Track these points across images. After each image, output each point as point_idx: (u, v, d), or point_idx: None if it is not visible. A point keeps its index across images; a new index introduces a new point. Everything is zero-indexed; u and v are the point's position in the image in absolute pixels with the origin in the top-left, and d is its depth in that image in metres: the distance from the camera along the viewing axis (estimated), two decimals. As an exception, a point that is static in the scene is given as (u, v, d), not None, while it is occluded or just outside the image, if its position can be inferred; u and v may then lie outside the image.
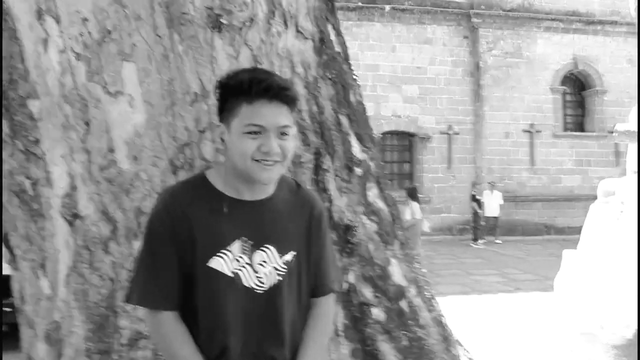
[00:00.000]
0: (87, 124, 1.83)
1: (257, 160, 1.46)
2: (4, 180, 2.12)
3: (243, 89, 1.45)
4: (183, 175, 1.80)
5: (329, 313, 1.71)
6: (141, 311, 1.85)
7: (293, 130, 1.53)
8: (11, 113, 2.02)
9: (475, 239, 16.52)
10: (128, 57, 1.76)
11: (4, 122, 2.06)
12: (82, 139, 1.85)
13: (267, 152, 1.46)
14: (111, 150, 1.82)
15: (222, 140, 1.52)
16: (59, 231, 2.00)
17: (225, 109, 1.50)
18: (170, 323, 1.52)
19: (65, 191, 1.94)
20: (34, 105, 1.96)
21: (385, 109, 17.64)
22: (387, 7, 17.70)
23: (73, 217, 1.94)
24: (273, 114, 1.46)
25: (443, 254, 13.92)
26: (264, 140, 1.46)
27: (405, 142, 18.62)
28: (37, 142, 1.98)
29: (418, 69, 18.19)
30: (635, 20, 2.73)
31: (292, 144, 1.52)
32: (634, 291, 3.62)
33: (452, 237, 17.88)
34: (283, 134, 1.49)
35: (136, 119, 1.79)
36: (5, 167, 2.09)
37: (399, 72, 18.03)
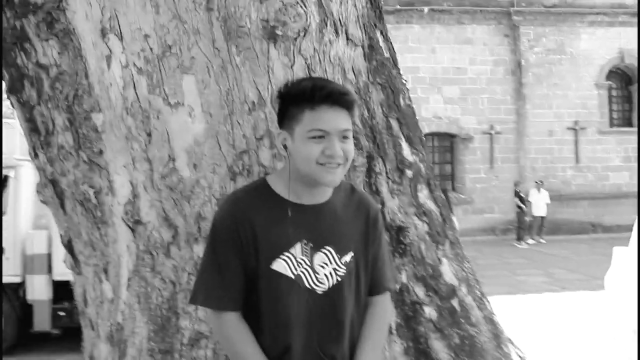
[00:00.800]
0: (148, 134, 1.91)
1: (321, 164, 1.53)
2: (67, 189, 2.23)
3: (306, 96, 1.52)
4: (242, 181, 1.87)
5: (385, 311, 1.76)
6: (202, 312, 1.93)
7: (352, 133, 1.59)
8: (76, 126, 2.13)
9: (519, 239, 16.28)
10: (187, 70, 1.84)
11: (67, 134, 2.17)
12: (144, 149, 1.93)
13: (331, 155, 1.52)
14: (172, 159, 1.90)
15: (285, 147, 1.58)
16: (121, 237, 2.10)
17: (287, 117, 1.57)
18: (233, 323, 1.59)
19: (127, 199, 2.04)
20: (97, 119, 2.06)
21: (426, 111, 17.55)
22: (426, 9, 17.63)
23: (135, 224, 2.03)
24: (335, 119, 1.53)
25: (487, 255, 13.76)
26: (327, 144, 1.52)
27: (447, 143, 18.49)
28: (100, 153, 2.08)
29: (458, 70, 18.05)
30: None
31: (352, 146, 1.58)
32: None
33: (495, 238, 17.65)
34: (344, 137, 1.55)
35: (196, 129, 1.86)
36: (69, 177, 2.21)
37: (439, 73, 17.92)
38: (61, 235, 2.42)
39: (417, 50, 17.74)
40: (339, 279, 1.63)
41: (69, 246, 2.40)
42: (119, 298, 2.13)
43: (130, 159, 1.98)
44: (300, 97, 1.53)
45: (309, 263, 1.60)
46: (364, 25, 2.15)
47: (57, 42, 2.06)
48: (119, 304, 2.13)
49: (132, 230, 2.04)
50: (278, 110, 1.62)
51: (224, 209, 1.61)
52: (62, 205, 2.30)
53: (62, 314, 6.72)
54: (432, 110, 17.65)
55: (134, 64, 1.89)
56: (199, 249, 1.91)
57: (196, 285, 1.64)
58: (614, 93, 19.43)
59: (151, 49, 1.85)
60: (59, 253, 4.12)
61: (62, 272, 6.12)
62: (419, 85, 17.59)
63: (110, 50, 1.93)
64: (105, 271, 2.20)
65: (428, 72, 17.84)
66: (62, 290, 6.56)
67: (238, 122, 1.86)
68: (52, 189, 2.29)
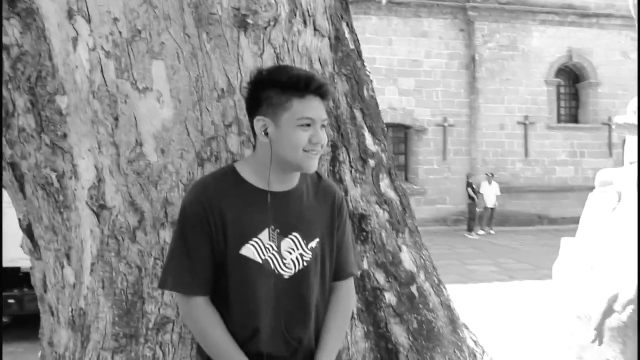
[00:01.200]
0: (115, 118, 1.91)
1: (306, 151, 1.59)
2: (28, 173, 2.20)
3: (299, 85, 1.56)
4: (209, 168, 1.89)
5: (350, 296, 1.82)
6: (168, 296, 1.95)
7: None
8: (38, 109, 2.09)
9: (469, 230, 16.67)
10: (157, 55, 1.84)
11: (29, 116, 2.14)
12: (111, 133, 1.93)
13: (317, 142, 1.58)
14: (139, 143, 1.90)
15: (265, 133, 1.61)
16: (85, 222, 2.08)
17: (269, 104, 1.59)
18: (203, 308, 1.62)
19: (92, 183, 2.02)
20: (62, 101, 2.04)
21: (381, 102, 17.46)
22: (384, 1, 17.75)
23: (100, 208, 2.02)
24: (319, 108, 1.60)
25: (438, 244, 14.04)
26: (313, 131, 1.58)
27: (401, 134, 18.74)
28: (64, 136, 2.06)
29: (414, 62, 18.28)
30: (635, 16, 2.80)
31: (327, 134, 1.65)
32: (630, 278, 3.75)
33: (446, 228, 18.03)
34: (323, 126, 1.62)
35: (164, 114, 1.87)
36: (30, 160, 2.17)
37: (395, 65, 18.11)
38: (19, 220, 2.38)
39: (374, 41, 17.86)
40: (305, 264, 1.68)
41: (28, 231, 2.37)
42: (81, 283, 2.12)
43: (96, 142, 1.97)
44: (289, 86, 1.56)
45: (276, 248, 1.64)
46: (330, 16, 2.19)
47: (19, 21, 2.02)
48: (81, 289, 2.12)
49: (97, 214, 2.03)
50: (251, 96, 1.64)
51: (193, 195, 1.63)
52: (22, 189, 2.27)
53: (11, 301, 6.56)
54: (387, 102, 17.83)
55: (102, 47, 1.87)
56: (166, 234, 1.92)
57: (165, 270, 1.66)
58: (562, 90, 20.04)
59: (120, 32, 1.84)
60: (7, 240, 4.01)
61: (11, 258, 5.97)
62: (375, 76, 17.55)
63: (77, 32, 1.90)
64: (67, 256, 2.18)
65: (384, 64, 18.01)
66: (10, 278, 6.40)
67: (207, 109, 1.87)
68: (11, 172, 2.25)
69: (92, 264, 2.07)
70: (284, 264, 1.65)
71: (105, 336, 2.01)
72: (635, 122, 4.24)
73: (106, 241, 2.02)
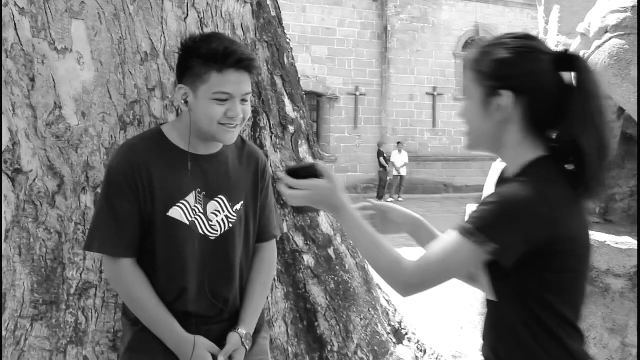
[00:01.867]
0: (32, 79, 1.85)
1: (222, 124, 1.60)
2: None
3: (217, 59, 1.55)
4: (132, 131, 1.87)
5: (273, 257, 1.89)
6: (89, 262, 1.94)
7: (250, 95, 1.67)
8: (-57, 67, 1.99)
9: (379, 197, 17.15)
10: (77, 15, 1.79)
11: None
12: (27, 95, 1.86)
13: (233, 117, 1.59)
14: (58, 106, 1.85)
15: (185, 101, 1.62)
16: (-2, 186, 2.02)
17: (190, 73, 1.60)
18: (130, 269, 1.64)
19: (6, 146, 1.96)
20: (-30, 60, 1.95)
21: (295, 69, 17.69)
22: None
23: (15, 173, 1.96)
24: (239, 83, 1.59)
25: (350, 212, 14.33)
26: (230, 105, 1.59)
27: (313, 102, 18.83)
28: (-27, 97, 1.97)
29: (327, 30, 18.33)
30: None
31: (249, 107, 1.67)
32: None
33: (357, 195, 18.43)
34: (244, 100, 1.63)
35: (85, 76, 1.83)
36: None
37: (308, 32, 18.08)
38: None
39: (288, 7, 17.69)
40: (230, 225, 1.73)
41: None
42: (-5, 250, 2.06)
43: (10, 104, 1.90)
44: (209, 58, 1.56)
45: (202, 210, 1.68)
46: (253, -18, 2.20)
47: None
48: (-5, 256, 2.06)
49: (12, 179, 1.97)
50: (178, 63, 1.65)
51: (120, 156, 1.63)
52: None
53: None
54: (300, 69, 17.29)
55: (15, 3, 1.80)
56: (87, 199, 1.90)
57: (91, 232, 1.66)
58: (468, 63, 20.78)
59: None
60: None
61: None
62: (288, 44, 17.66)
63: None
64: (-20, 222, 2.11)
65: (297, 31, 17.93)
66: None
67: (130, 72, 1.85)
68: None
69: (7, 231, 2.01)
70: (210, 225, 1.69)
71: (24, 304, 1.97)
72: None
73: (22, 206, 1.97)
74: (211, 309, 1.71)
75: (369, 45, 18.89)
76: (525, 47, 1.27)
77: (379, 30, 18.96)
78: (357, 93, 18.80)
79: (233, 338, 1.71)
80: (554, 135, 1.31)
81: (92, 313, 1.93)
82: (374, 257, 1.31)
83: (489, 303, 1.32)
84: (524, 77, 1.25)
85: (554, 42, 4.40)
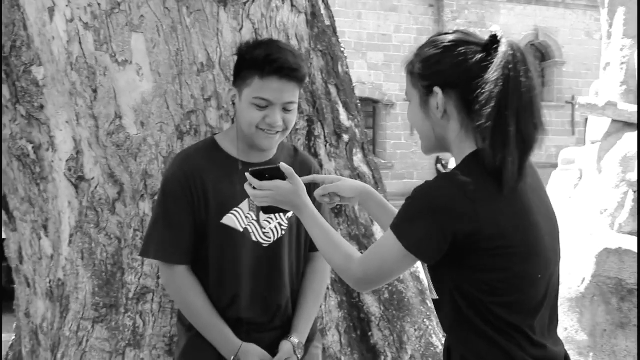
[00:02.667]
0: (94, 91, 1.92)
1: (261, 129, 1.62)
2: (4, 144, 2.19)
3: (258, 65, 1.58)
4: (189, 141, 1.92)
5: (325, 266, 1.89)
6: (147, 267, 1.99)
7: (296, 105, 1.68)
8: (13, 79, 2.09)
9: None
10: (137, 29, 1.85)
11: (4, 87, 2.13)
12: (89, 106, 1.94)
13: (271, 124, 1.61)
14: (119, 116, 1.92)
15: (233, 103, 1.67)
16: (62, 193, 2.10)
17: (240, 77, 1.64)
18: (184, 276, 1.67)
19: (70, 155, 2.04)
20: (38, 72, 2.04)
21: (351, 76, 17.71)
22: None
23: (78, 180, 2.04)
24: (280, 91, 1.60)
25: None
26: (269, 112, 1.61)
27: (369, 108, 18.79)
28: (41, 107, 2.06)
29: (383, 37, 18.28)
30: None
31: (294, 116, 1.68)
32: (589, 249, 3.91)
33: (413, 203, 18.26)
34: (287, 109, 1.64)
35: (144, 87, 1.89)
36: (5, 131, 2.17)
37: (364, 39, 18.08)
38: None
39: (343, 14, 17.77)
40: (283, 233, 1.74)
41: (3, 202, 2.37)
42: (59, 254, 2.14)
43: (74, 114, 1.98)
44: (252, 64, 1.59)
45: (255, 218, 1.70)
46: (307, -8, 2.22)
47: (-9, -11, 2.01)
48: (59, 260, 2.14)
49: (75, 186, 2.04)
50: (235, 66, 1.69)
51: (176, 165, 1.68)
52: (-4, 161, 2.26)
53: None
54: (356, 76, 17.74)
55: (80, 19, 1.87)
56: (145, 206, 1.95)
57: (147, 239, 1.70)
58: (528, 67, 20.28)
59: (99, 4, 1.84)
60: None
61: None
62: (344, 50, 17.70)
63: (54, 3, 1.90)
64: (45, 227, 2.20)
65: (353, 38, 17.96)
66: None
67: (187, 83, 1.90)
68: (-16, 144, 2.24)
69: (71, 236, 2.09)
70: (263, 233, 1.71)
71: (85, 306, 2.04)
72: (597, 103, 4.37)
73: (85, 213, 2.05)
74: (263, 316, 1.73)
75: (426, 51, 18.72)
76: (451, 41, 1.27)
77: (435, 36, 18.78)
78: (414, 99, 18.63)
79: (285, 346, 1.72)
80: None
81: (149, 317, 1.97)
82: (329, 254, 1.35)
83: (433, 301, 1.32)
84: (449, 71, 1.25)
85: (619, 45, 4.25)
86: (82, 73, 1.91)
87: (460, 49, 1.25)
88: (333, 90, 2.37)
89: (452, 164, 17.10)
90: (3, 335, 3.19)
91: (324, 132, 2.30)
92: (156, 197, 1.85)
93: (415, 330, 2.45)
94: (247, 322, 1.70)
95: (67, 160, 2.05)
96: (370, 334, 2.33)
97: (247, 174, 1.40)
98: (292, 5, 2.11)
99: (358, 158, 2.47)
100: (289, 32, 2.12)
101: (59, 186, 2.10)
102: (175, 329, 1.91)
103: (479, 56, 1.23)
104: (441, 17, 18.68)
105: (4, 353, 2.71)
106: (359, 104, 2.58)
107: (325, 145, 2.30)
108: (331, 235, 1.36)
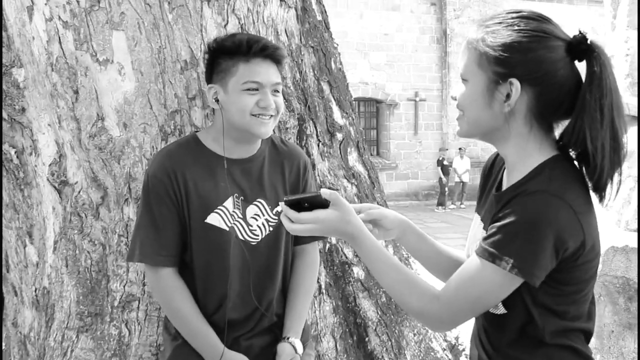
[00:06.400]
0: (75, 92, 1.85)
1: (255, 115, 1.56)
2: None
3: (242, 49, 1.54)
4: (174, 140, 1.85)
5: (315, 260, 1.83)
6: (133, 274, 1.92)
7: (281, 88, 1.65)
8: (-6, 82, 2.02)
9: (439, 204, 16.82)
10: (117, 26, 1.78)
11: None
12: (71, 107, 1.87)
13: (265, 106, 1.56)
14: (101, 117, 1.85)
15: (217, 100, 1.60)
16: (47, 199, 2.03)
17: (219, 70, 1.59)
18: (170, 279, 1.61)
19: (53, 159, 1.97)
20: (19, 74, 1.97)
21: (353, 76, 17.63)
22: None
23: (61, 185, 1.97)
24: (268, 72, 1.57)
25: (410, 219, 14.12)
26: (261, 96, 1.56)
27: (373, 108, 18.73)
28: (22, 110, 1.99)
29: (385, 36, 18.20)
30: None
31: (282, 100, 1.64)
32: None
33: (418, 203, 18.18)
34: (275, 90, 1.60)
35: (126, 87, 1.82)
36: (-13, 136, 2.10)
37: (366, 39, 18.01)
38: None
39: (345, 14, 17.71)
40: (271, 229, 1.68)
41: (-13, 208, 2.30)
42: (44, 262, 2.08)
43: (56, 117, 1.91)
44: (234, 50, 1.56)
45: (241, 215, 1.64)
46: (297, -13, 2.14)
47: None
48: (44, 268, 2.08)
49: (58, 191, 1.98)
50: (207, 64, 1.64)
51: (157, 162, 1.62)
52: (-23, 166, 2.20)
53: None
54: (358, 76, 17.76)
55: (59, 17, 1.81)
56: (130, 210, 1.88)
57: (132, 242, 1.65)
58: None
59: (78, 2, 1.78)
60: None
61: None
62: (346, 50, 17.59)
63: (32, 2, 1.83)
64: (29, 234, 2.14)
65: (356, 37, 17.89)
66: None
67: (170, 81, 1.83)
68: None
69: (55, 242, 2.03)
70: (251, 230, 1.65)
71: (70, 315, 1.98)
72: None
73: (69, 218, 1.98)
74: (251, 316, 1.68)
75: (428, 49, 18.63)
76: (541, 30, 1.13)
77: (438, 35, 18.68)
78: (417, 99, 18.56)
79: (285, 349, 1.65)
80: (557, 130, 1.20)
81: (135, 326, 1.91)
82: (401, 294, 1.19)
83: (487, 318, 1.23)
84: (536, 66, 1.11)
85: (623, 37, 4.15)
86: (62, 74, 1.85)
87: (551, 42, 1.13)
88: (326, 87, 2.30)
89: (457, 164, 17.01)
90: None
91: (317, 131, 2.22)
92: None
93: (415, 334, 2.37)
94: (235, 323, 1.65)
95: (50, 165, 1.98)
96: (367, 339, 2.26)
97: (282, 205, 1.21)
98: (281, 0, 2.04)
99: (353, 157, 2.39)
100: (278, 27, 2.05)
101: (42, 191, 2.04)
102: (162, 338, 1.85)
103: (564, 54, 1.13)
104: (443, 16, 18.59)
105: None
106: (354, 102, 2.51)
107: (318, 145, 2.23)
108: (401, 270, 1.20)
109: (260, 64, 1.56)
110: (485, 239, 1.12)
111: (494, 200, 1.23)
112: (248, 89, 1.56)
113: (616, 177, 1.13)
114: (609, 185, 1.13)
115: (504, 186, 1.26)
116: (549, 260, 1.07)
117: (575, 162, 1.17)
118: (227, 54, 1.57)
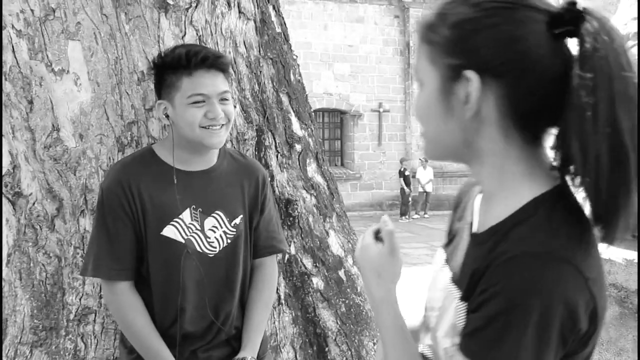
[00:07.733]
0: (30, 102, 1.82)
1: (204, 127, 1.56)
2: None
3: (182, 62, 1.54)
4: (130, 153, 1.83)
5: (274, 273, 1.83)
6: (89, 287, 1.89)
7: (230, 95, 1.63)
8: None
9: (402, 215, 16.95)
10: (73, 36, 1.76)
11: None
12: (25, 118, 1.84)
13: (214, 117, 1.55)
14: (56, 128, 1.82)
15: (167, 116, 1.60)
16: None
17: (165, 86, 1.58)
18: (125, 293, 1.59)
19: (6, 170, 1.94)
20: (-30, 83, 1.93)
21: (317, 87, 17.72)
22: (318, -15, 17.70)
23: (15, 196, 1.94)
24: (213, 82, 1.56)
25: (374, 229, 14.23)
26: (208, 107, 1.55)
27: (337, 119, 18.82)
28: (-26, 120, 1.96)
29: (350, 47, 18.35)
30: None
31: (232, 108, 1.63)
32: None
33: (382, 212, 18.27)
34: (224, 99, 1.59)
35: (82, 98, 1.80)
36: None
37: (330, 50, 18.12)
38: None
39: (310, 26, 17.81)
40: (229, 241, 1.68)
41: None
42: (-3, 275, 2.03)
43: (10, 127, 1.88)
44: (176, 65, 1.55)
45: (199, 227, 1.63)
46: (256, -1, 2.16)
47: None
48: (-3, 281, 2.03)
49: (12, 203, 1.94)
50: (155, 80, 1.63)
51: (111, 177, 1.61)
52: None
53: None
54: (323, 87, 17.85)
55: (13, 26, 1.78)
56: (86, 222, 1.86)
57: (86, 256, 1.63)
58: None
59: (32, 10, 1.76)
60: None
61: None
62: (310, 61, 17.71)
63: None
64: (-18, 247, 2.09)
65: (320, 49, 17.99)
66: None
67: (127, 92, 1.82)
68: None
69: (9, 255, 1.98)
70: (209, 242, 1.64)
71: (24, 330, 1.94)
72: None
73: (23, 230, 1.95)
74: (209, 330, 1.66)
75: (392, 61, 18.84)
76: (504, 0, 0.81)
77: (401, 47, 18.91)
78: (381, 109, 18.73)
79: None
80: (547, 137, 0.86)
81: (91, 339, 1.88)
82: None
83: None
84: (494, 49, 0.80)
85: (625, 32, 4.25)
86: (16, 83, 1.82)
87: (520, 14, 0.80)
88: (285, 98, 2.31)
89: (420, 174, 17.22)
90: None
91: (275, 142, 2.23)
92: (95, 212, 1.77)
93: (374, 344, 2.39)
94: (192, 337, 1.64)
95: (3, 176, 1.94)
96: (327, 349, 2.26)
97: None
98: (240, 12, 2.05)
99: (312, 168, 2.41)
100: (237, 39, 2.06)
101: (-4, 203, 2.00)
102: (119, 351, 1.82)
103: (546, 31, 0.79)
104: (406, 28, 18.85)
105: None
106: (312, 113, 2.53)
107: (277, 156, 2.23)
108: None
109: (203, 75, 1.55)
110: (469, 333, 0.82)
111: (472, 242, 0.94)
112: (194, 102, 1.55)
113: (624, 201, 0.77)
114: (615, 215, 0.78)
115: (476, 221, 0.96)
116: (554, 354, 0.78)
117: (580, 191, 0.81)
118: (170, 68, 1.56)
